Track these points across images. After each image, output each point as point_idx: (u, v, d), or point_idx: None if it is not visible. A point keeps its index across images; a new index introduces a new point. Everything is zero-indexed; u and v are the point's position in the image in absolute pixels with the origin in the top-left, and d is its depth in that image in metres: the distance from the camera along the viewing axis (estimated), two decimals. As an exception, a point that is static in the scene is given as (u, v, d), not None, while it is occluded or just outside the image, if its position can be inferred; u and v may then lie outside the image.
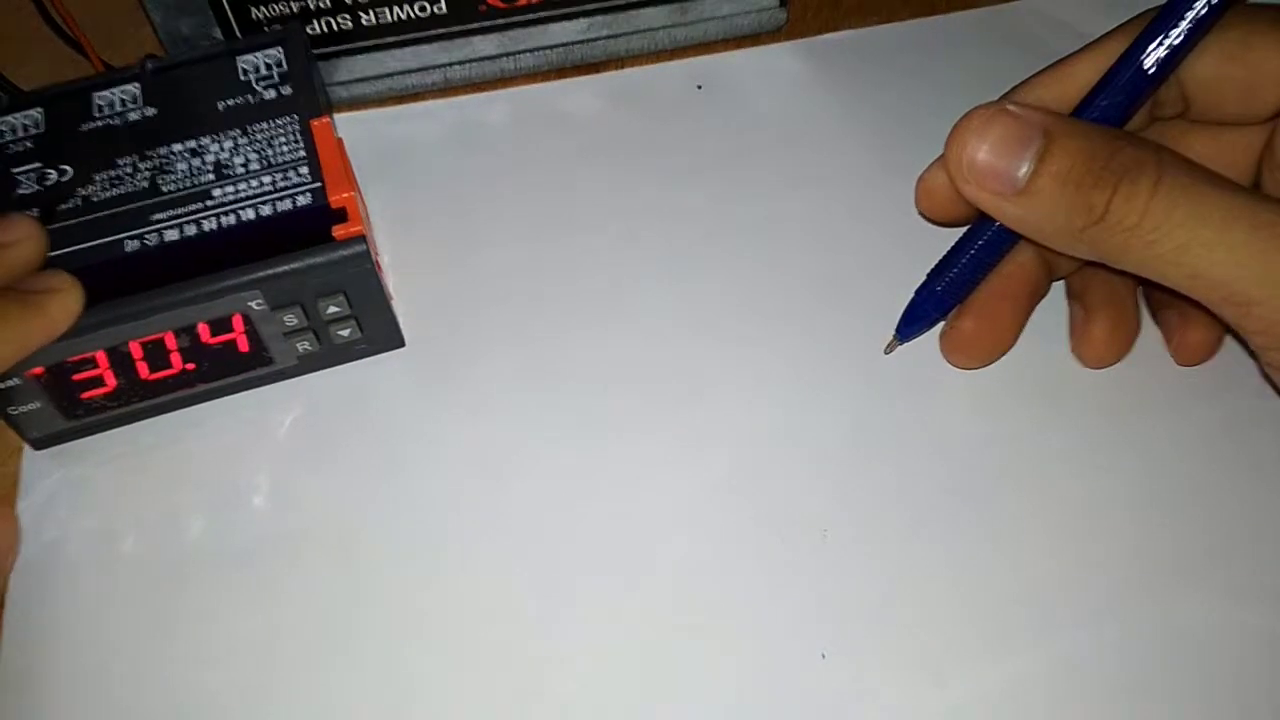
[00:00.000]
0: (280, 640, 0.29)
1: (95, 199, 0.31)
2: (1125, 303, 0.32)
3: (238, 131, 0.33)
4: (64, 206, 0.31)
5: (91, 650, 0.29)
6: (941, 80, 0.40)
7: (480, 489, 0.32)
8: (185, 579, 0.30)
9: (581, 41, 0.40)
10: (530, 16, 0.39)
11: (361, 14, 0.38)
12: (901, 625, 0.29)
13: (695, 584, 0.30)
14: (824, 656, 0.29)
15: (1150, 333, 0.33)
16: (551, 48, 0.40)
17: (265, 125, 0.33)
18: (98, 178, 0.32)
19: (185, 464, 0.32)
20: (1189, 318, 0.32)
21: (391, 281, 0.35)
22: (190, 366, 0.31)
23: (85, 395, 0.31)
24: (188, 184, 0.32)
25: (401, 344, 0.34)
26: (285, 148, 0.32)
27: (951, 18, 0.42)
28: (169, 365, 0.31)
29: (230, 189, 0.31)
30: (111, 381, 0.31)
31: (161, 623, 0.30)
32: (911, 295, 0.32)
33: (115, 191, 0.32)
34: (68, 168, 0.32)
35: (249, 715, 0.28)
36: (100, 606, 0.30)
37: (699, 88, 0.40)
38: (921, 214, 0.32)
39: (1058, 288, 0.34)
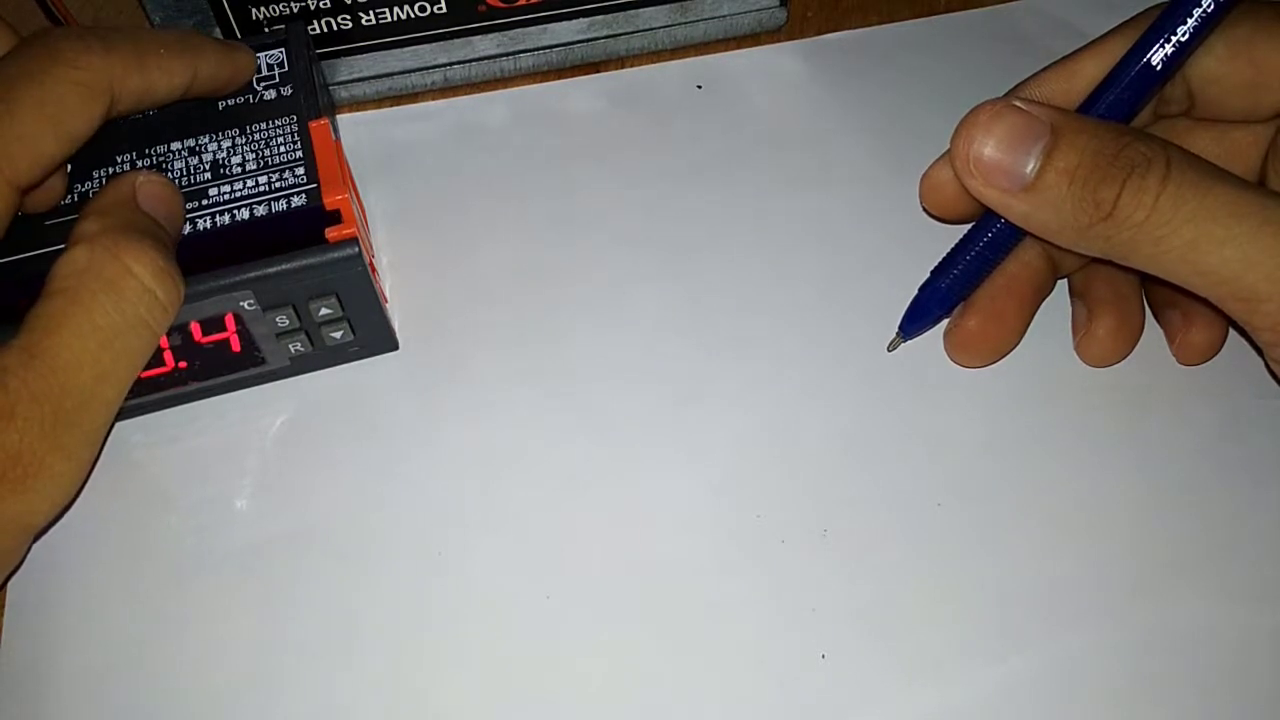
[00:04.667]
0: (273, 641, 0.29)
1: (93, 196, 0.31)
2: (1129, 301, 0.32)
3: (236, 131, 0.33)
4: (62, 203, 0.31)
5: (89, 650, 0.29)
6: (942, 80, 0.40)
7: (475, 492, 0.31)
8: (179, 578, 0.30)
9: (581, 41, 0.40)
10: (530, 16, 0.39)
11: (361, 14, 0.38)
12: (901, 625, 0.29)
13: (695, 584, 0.30)
14: (824, 656, 0.29)
15: (1152, 332, 0.33)
16: (551, 48, 0.40)
17: (264, 125, 0.33)
18: (96, 174, 0.32)
19: (178, 462, 0.32)
20: (1192, 317, 0.32)
21: (389, 282, 0.35)
22: (183, 365, 0.31)
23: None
24: (184, 182, 0.31)
25: (395, 347, 0.34)
26: (282, 148, 0.32)
27: (951, 18, 0.42)
28: (161, 363, 0.31)
29: (226, 188, 0.31)
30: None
31: (156, 622, 0.30)
32: (913, 294, 0.32)
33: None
34: (67, 163, 0.32)
35: (245, 715, 0.28)
36: (93, 606, 0.30)
37: (699, 88, 0.40)
38: (926, 210, 0.32)
39: (1060, 286, 0.34)
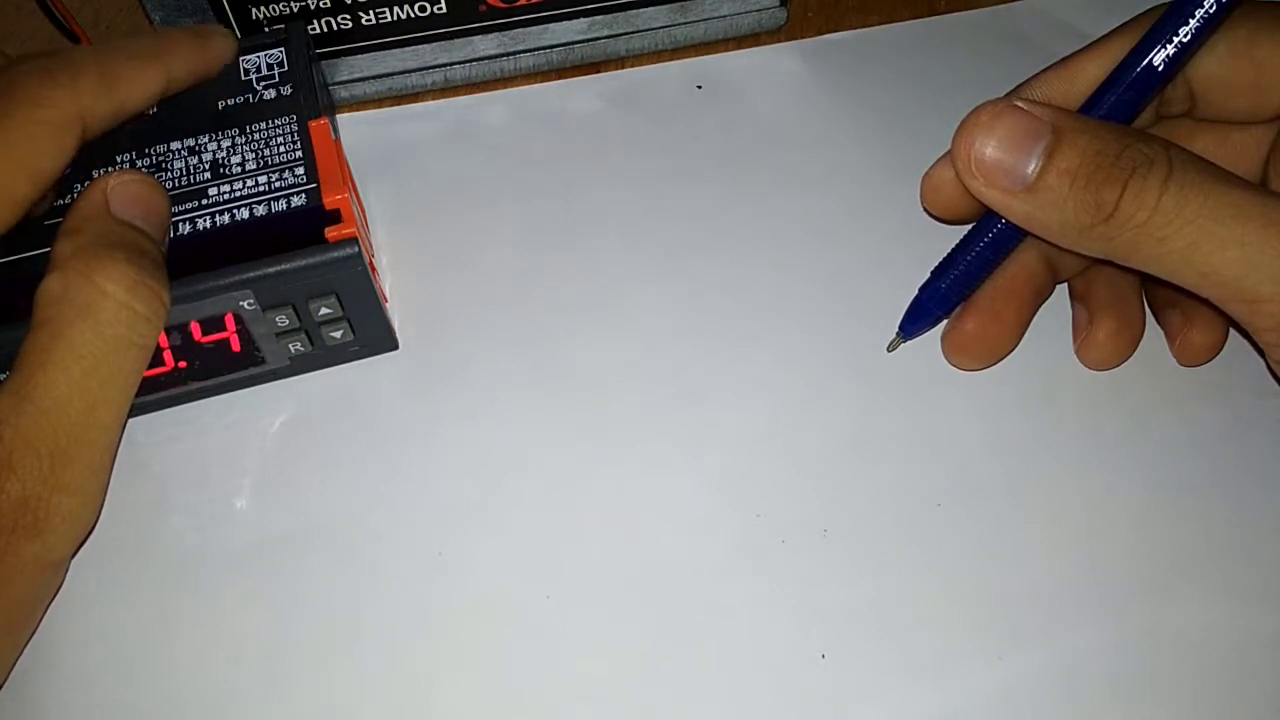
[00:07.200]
0: (273, 641, 0.29)
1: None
2: (1129, 304, 0.32)
3: (236, 131, 0.33)
4: (60, 203, 0.31)
5: (89, 650, 0.29)
6: (942, 80, 0.40)
7: (475, 491, 0.31)
8: (179, 578, 0.30)
9: (581, 41, 0.40)
10: (530, 16, 0.39)
11: (361, 14, 0.38)
12: (901, 625, 0.29)
13: (695, 584, 0.30)
14: (824, 656, 0.29)
15: (1153, 333, 0.33)
16: (551, 48, 0.40)
17: (264, 125, 0.33)
18: (95, 173, 0.32)
19: (178, 462, 0.32)
20: (1192, 318, 0.32)
21: (389, 282, 0.35)
22: (183, 364, 0.31)
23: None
24: (184, 182, 0.31)
25: (395, 346, 0.34)
26: (282, 148, 0.32)
27: (951, 18, 0.42)
28: (161, 363, 0.31)
29: (226, 188, 0.31)
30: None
31: (156, 622, 0.30)
32: (914, 294, 0.32)
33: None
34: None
35: (245, 715, 0.28)
36: (93, 605, 0.30)
37: (699, 88, 0.40)
38: (927, 210, 0.32)
39: (1060, 289, 0.34)
